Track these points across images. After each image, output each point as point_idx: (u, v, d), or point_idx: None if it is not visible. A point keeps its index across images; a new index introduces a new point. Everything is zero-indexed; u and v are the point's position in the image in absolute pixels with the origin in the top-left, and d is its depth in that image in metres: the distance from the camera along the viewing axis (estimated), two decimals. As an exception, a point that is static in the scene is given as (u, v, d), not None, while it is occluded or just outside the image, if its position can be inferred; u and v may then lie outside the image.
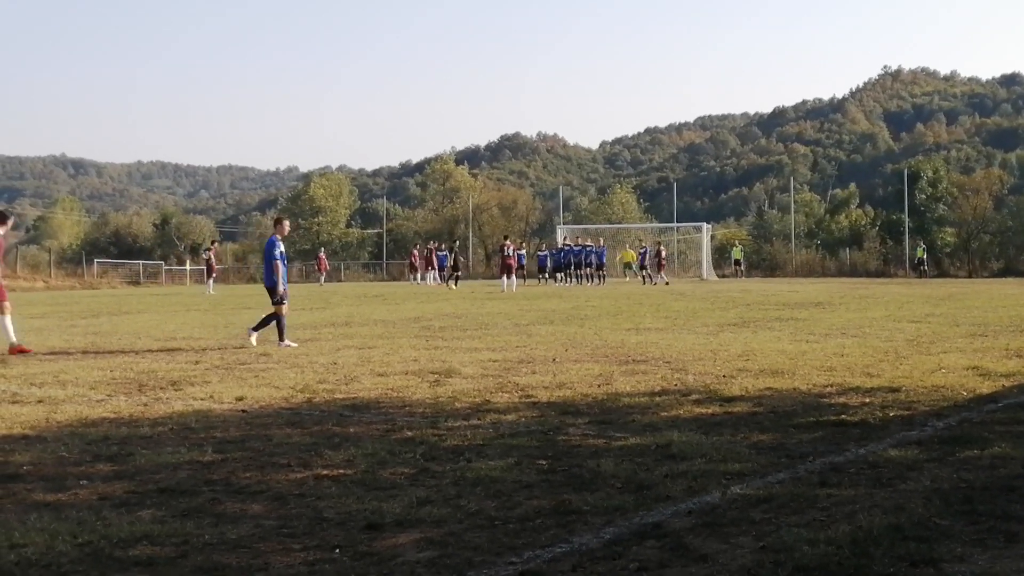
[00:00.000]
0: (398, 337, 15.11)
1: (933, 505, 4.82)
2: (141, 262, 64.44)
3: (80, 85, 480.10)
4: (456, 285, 38.62)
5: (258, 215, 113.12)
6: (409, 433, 6.98)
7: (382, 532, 4.56)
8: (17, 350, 13.10)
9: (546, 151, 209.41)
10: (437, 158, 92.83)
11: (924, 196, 59.91)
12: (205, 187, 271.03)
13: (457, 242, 48.93)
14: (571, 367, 10.77)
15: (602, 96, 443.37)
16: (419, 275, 48.89)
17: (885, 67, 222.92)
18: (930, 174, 61.37)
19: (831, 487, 5.25)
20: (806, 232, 66.34)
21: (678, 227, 63.68)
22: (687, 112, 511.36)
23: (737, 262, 56.30)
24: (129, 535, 4.51)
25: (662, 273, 44.50)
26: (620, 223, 66.24)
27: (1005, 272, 53.28)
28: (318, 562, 4.14)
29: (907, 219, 57.42)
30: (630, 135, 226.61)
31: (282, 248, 14.53)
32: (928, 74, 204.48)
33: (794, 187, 74.36)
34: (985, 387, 8.86)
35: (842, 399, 8.29)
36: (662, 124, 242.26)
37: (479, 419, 7.56)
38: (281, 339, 13.81)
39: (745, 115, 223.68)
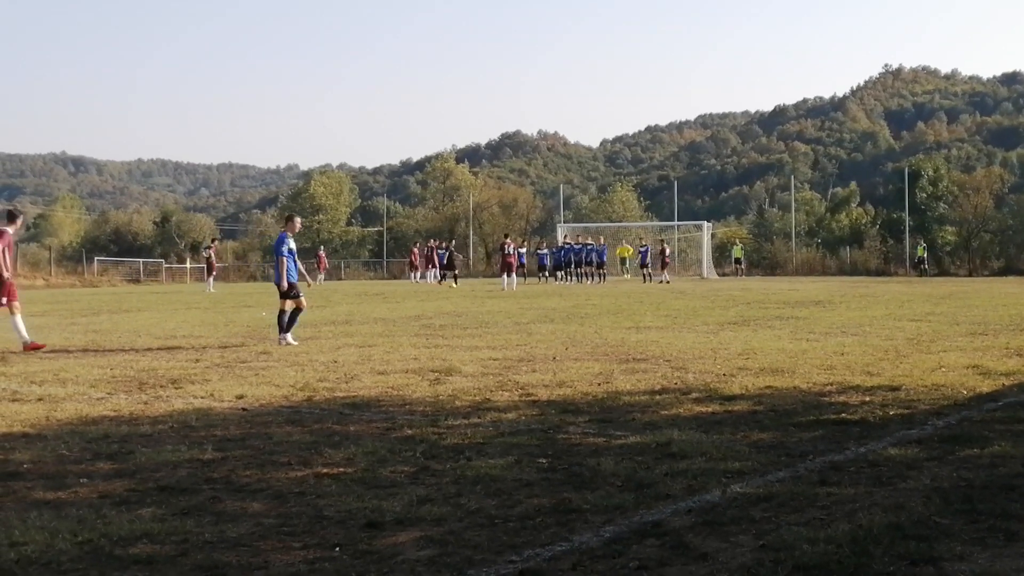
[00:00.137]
0: (398, 335, 15.11)
1: (933, 504, 4.82)
2: (141, 260, 64.47)
3: (80, 83, 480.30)
4: (456, 283, 38.62)
5: (258, 213, 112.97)
6: (409, 431, 6.98)
7: (382, 530, 4.56)
8: (32, 347, 13.14)
9: (547, 149, 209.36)
10: (438, 156, 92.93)
11: (925, 195, 59.93)
12: (205, 185, 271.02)
13: (453, 240, 48.88)
14: (571, 365, 10.77)
15: (603, 94, 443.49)
16: (419, 273, 48.88)
17: (886, 65, 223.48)
18: (931, 173, 61.40)
19: (831, 486, 5.25)
20: (807, 231, 66.39)
21: (679, 225, 63.66)
22: (688, 110, 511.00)
23: (737, 261, 56.31)
24: (129, 533, 4.52)
25: (665, 272, 44.43)
26: (621, 222, 66.24)
27: (1006, 271, 53.31)
28: (318, 560, 4.14)
29: (908, 218, 57.43)
30: (631, 133, 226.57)
31: (292, 245, 14.48)
32: (929, 72, 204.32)
33: (795, 185, 74.38)
34: (985, 386, 8.86)
35: (842, 398, 8.29)
36: (663, 122, 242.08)
37: (479, 417, 7.56)
38: (281, 333, 13.81)
39: (746, 113, 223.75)
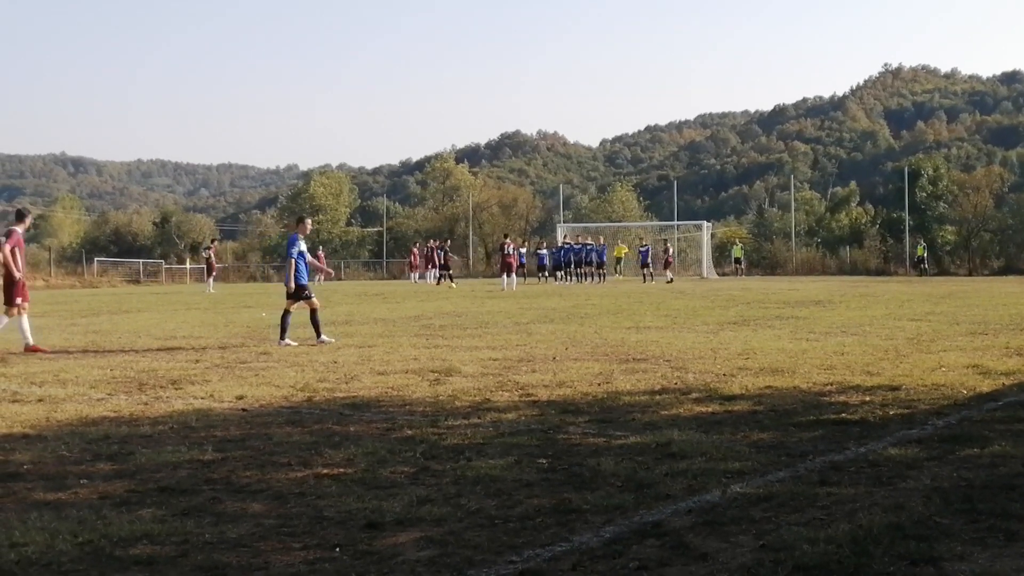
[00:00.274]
0: (398, 336, 15.12)
1: (933, 504, 4.82)
2: (141, 261, 64.44)
3: (80, 84, 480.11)
4: (453, 283, 38.62)
5: (258, 213, 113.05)
6: (409, 432, 6.98)
7: (382, 531, 4.56)
8: (33, 349, 13.15)
9: (546, 149, 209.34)
10: (437, 156, 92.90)
11: (924, 194, 59.91)
12: (205, 185, 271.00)
13: (449, 240, 48.88)
14: (571, 365, 10.77)
15: (602, 94, 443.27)
16: (418, 273, 48.85)
17: (885, 65, 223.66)
18: (930, 172, 61.38)
19: (831, 486, 5.25)
20: (806, 230, 66.37)
21: (678, 225, 63.65)
22: (687, 110, 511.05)
23: (737, 260, 56.30)
24: (129, 534, 4.52)
25: (668, 271, 44.28)
26: (620, 221, 66.23)
27: (1006, 270, 53.32)
28: (318, 561, 4.14)
29: (907, 217, 57.42)
30: (630, 133, 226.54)
31: (303, 246, 14.48)
32: (928, 72, 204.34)
33: (794, 185, 74.36)
34: (985, 385, 8.86)
35: (842, 397, 8.29)
36: (662, 122, 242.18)
37: (479, 418, 7.56)
38: (282, 336, 13.80)
39: (746, 113, 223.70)
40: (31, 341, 13.34)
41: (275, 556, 4.21)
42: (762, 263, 60.66)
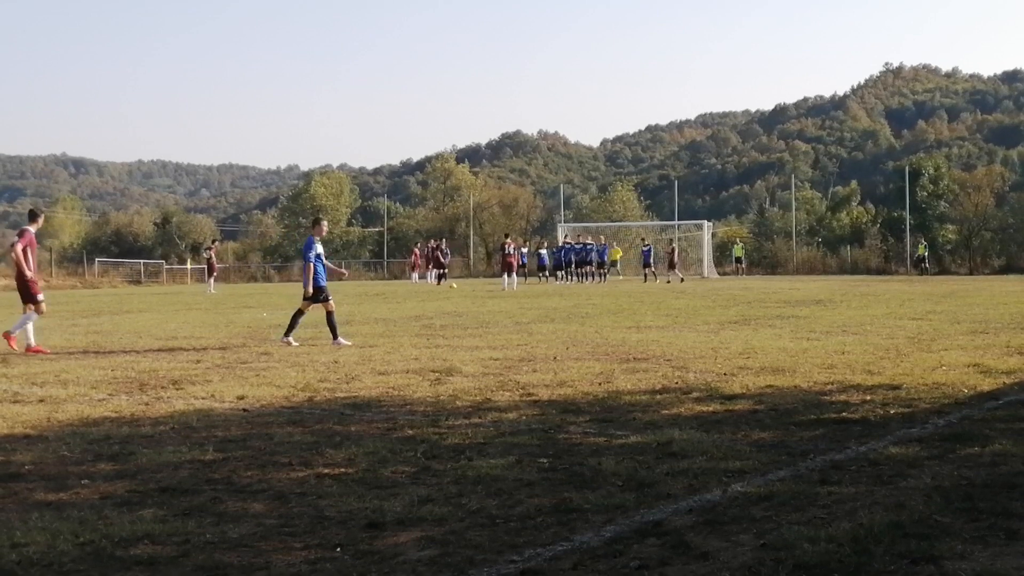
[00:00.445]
0: (399, 336, 15.12)
1: (934, 502, 4.82)
2: (142, 261, 64.48)
3: (81, 84, 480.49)
4: (454, 284, 38.61)
5: (259, 214, 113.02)
6: (410, 431, 6.99)
7: (383, 531, 4.56)
8: (34, 350, 13.17)
9: (547, 149, 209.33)
10: (438, 156, 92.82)
11: (925, 193, 59.89)
12: (206, 186, 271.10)
13: (444, 239, 48.90)
14: (572, 365, 10.77)
15: (603, 94, 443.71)
16: (419, 273, 48.82)
17: (886, 64, 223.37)
18: (931, 171, 61.35)
19: (832, 485, 5.25)
20: (807, 230, 66.33)
21: (679, 225, 63.61)
22: (688, 109, 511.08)
23: (738, 260, 56.28)
24: (131, 534, 4.52)
25: (676, 270, 44.20)
26: (621, 221, 66.22)
27: (1006, 269, 53.27)
28: (319, 561, 4.14)
29: (908, 216, 57.40)
30: (631, 133, 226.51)
31: (319, 249, 14.48)
32: (929, 71, 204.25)
33: (795, 184, 74.29)
34: (986, 384, 8.86)
35: (843, 397, 8.29)
36: (663, 121, 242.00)
37: (480, 417, 7.57)
38: (286, 334, 13.80)
39: (746, 112, 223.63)
40: (32, 342, 13.35)
41: (276, 556, 4.21)
42: (763, 262, 60.64)
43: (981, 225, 58.36)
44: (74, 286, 49.91)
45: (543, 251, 47.82)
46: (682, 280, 41.54)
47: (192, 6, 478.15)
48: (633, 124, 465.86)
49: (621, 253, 51.85)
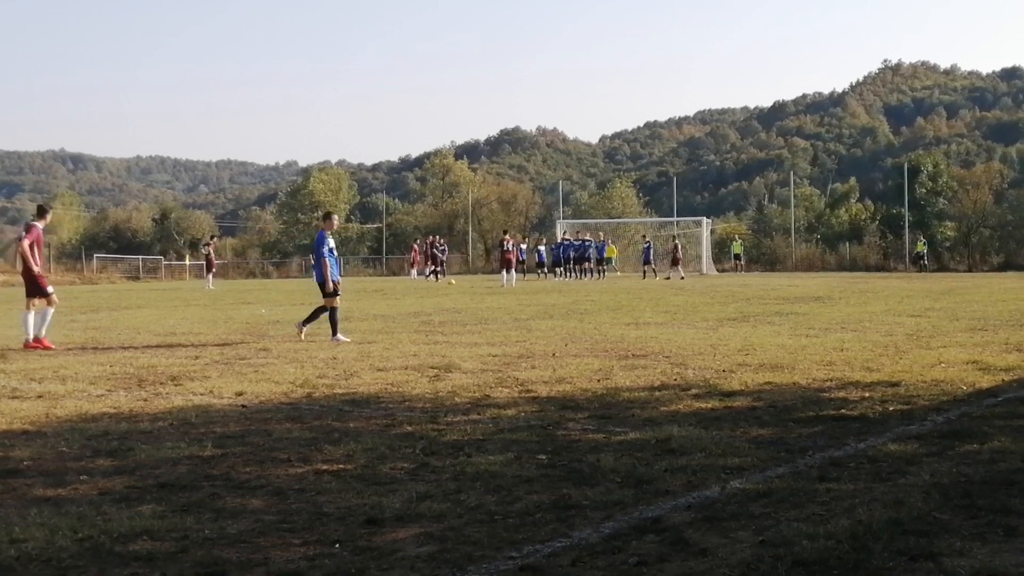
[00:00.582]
0: (398, 332, 15.11)
1: (932, 499, 4.82)
2: (140, 257, 64.47)
3: (79, 80, 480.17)
4: (435, 279, 38.65)
5: (257, 210, 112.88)
6: (409, 428, 6.99)
7: (382, 527, 4.56)
8: (32, 345, 13.17)
9: (546, 145, 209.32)
10: (436, 152, 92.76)
11: (924, 190, 59.90)
12: (204, 182, 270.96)
13: (438, 236, 48.90)
14: (571, 362, 10.77)
15: (601, 90, 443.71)
16: (418, 270, 48.82)
17: (885, 61, 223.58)
18: (930, 168, 61.35)
19: (830, 481, 5.25)
20: (806, 226, 66.32)
21: (678, 221, 63.62)
22: (687, 106, 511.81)
23: (737, 256, 56.27)
24: (129, 530, 4.52)
25: (679, 268, 44.22)
26: (620, 217, 66.22)
27: (1005, 266, 53.29)
28: (318, 557, 4.14)
29: (907, 213, 57.40)
30: (630, 129, 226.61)
31: (332, 243, 14.46)
32: (928, 68, 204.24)
33: (794, 181, 74.35)
34: (985, 381, 8.86)
35: (842, 393, 8.29)
36: (662, 118, 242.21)
37: (479, 414, 7.57)
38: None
39: (745, 109, 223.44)
40: (31, 337, 13.35)
41: (275, 552, 4.21)
42: (762, 259, 60.63)
43: (980, 222, 58.38)
44: (72, 282, 49.83)
45: (542, 247, 47.79)
46: (682, 278, 41.51)
47: (191, 3, 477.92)
48: (632, 120, 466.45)
49: (617, 252, 51.86)
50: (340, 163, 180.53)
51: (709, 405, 7.82)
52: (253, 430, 7.02)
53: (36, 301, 13.66)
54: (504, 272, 35.65)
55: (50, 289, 13.85)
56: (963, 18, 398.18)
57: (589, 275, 43.65)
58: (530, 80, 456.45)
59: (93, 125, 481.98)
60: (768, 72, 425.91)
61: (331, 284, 14.04)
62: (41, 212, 14.66)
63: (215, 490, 5.29)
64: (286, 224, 77.46)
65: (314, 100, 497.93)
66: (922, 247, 54.21)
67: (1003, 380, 8.98)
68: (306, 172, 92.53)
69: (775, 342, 12.53)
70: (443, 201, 76.19)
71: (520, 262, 44.01)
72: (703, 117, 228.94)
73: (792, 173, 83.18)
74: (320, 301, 14.23)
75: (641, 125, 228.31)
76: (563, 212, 71.42)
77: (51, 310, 13.69)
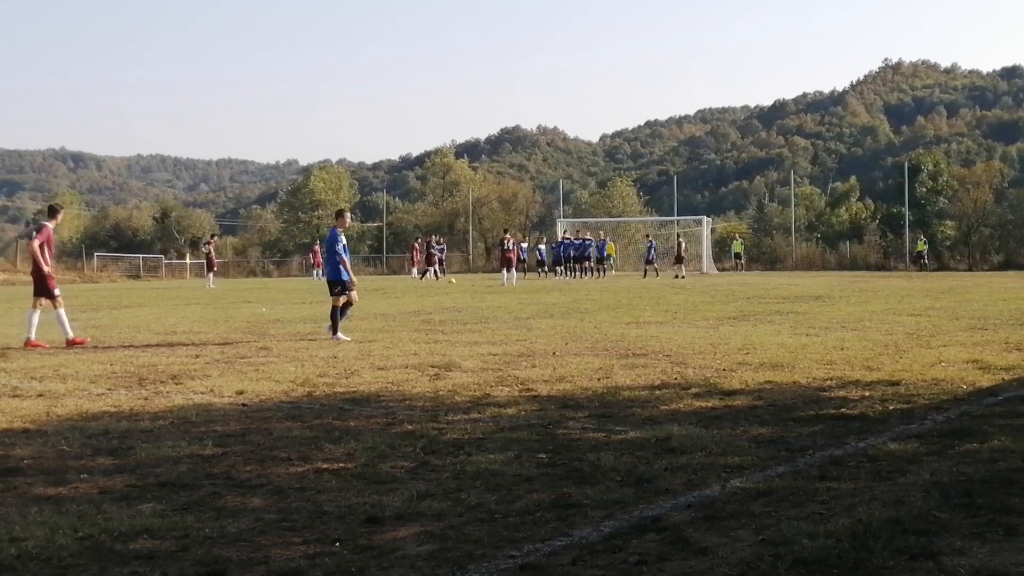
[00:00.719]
0: (398, 331, 15.11)
1: (932, 498, 4.82)
2: (141, 256, 64.47)
3: (79, 79, 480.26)
4: (424, 278, 38.68)
5: (258, 208, 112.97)
6: (409, 427, 6.99)
7: (382, 525, 4.57)
8: (32, 344, 13.20)
9: (546, 144, 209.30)
10: (437, 151, 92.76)
11: (924, 189, 59.87)
12: (205, 180, 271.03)
13: (435, 235, 48.90)
14: (571, 361, 10.77)
15: (602, 89, 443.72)
16: (418, 268, 48.80)
17: (885, 60, 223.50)
18: (930, 167, 61.31)
19: (831, 480, 5.26)
20: (806, 225, 66.33)
21: (678, 220, 63.63)
22: (687, 105, 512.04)
23: (737, 255, 56.27)
24: (130, 529, 4.52)
25: (682, 266, 44.18)
26: (620, 216, 66.21)
27: (1005, 265, 53.26)
28: (318, 555, 4.14)
29: (907, 212, 57.37)
30: (630, 128, 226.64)
31: (344, 240, 14.49)
32: (928, 67, 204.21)
33: (794, 180, 74.36)
34: (985, 380, 8.86)
35: (842, 393, 8.29)
36: (662, 117, 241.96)
37: (479, 413, 7.57)
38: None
39: (745, 108, 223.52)
40: (32, 336, 13.35)
41: (275, 550, 4.21)
42: (762, 258, 60.61)
43: (980, 221, 58.35)
44: (73, 280, 49.82)
45: (542, 246, 47.77)
46: (683, 277, 41.52)
47: (191, 2, 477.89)
48: (632, 119, 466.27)
49: (615, 250, 51.88)
50: (341, 162, 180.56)
51: (709, 404, 7.83)
52: (253, 429, 7.02)
53: (43, 301, 13.67)
54: (504, 271, 35.66)
55: (57, 292, 13.80)
56: (963, 17, 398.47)
57: (589, 274, 43.64)
58: (531, 79, 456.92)
59: (93, 124, 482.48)
60: (768, 71, 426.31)
61: (349, 280, 14.09)
62: (52, 212, 14.64)
63: (215, 489, 5.29)
64: (286, 223, 77.48)
65: (315, 99, 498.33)
66: (922, 246, 54.17)
67: (1003, 379, 8.98)
68: (307, 171, 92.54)
69: (775, 341, 12.53)
70: (443, 200, 76.20)
71: (521, 261, 44.01)
72: (703, 116, 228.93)
73: (792, 172, 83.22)
74: (346, 302, 14.20)
75: (641, 124, 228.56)
76: (563, 211, 71.38)
77: (37, 312, 13.61)
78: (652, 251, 45.47)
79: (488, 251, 67.07)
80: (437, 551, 4.17)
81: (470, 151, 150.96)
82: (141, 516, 4.73)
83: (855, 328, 14.38)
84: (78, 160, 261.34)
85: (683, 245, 45.67)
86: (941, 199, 60.44)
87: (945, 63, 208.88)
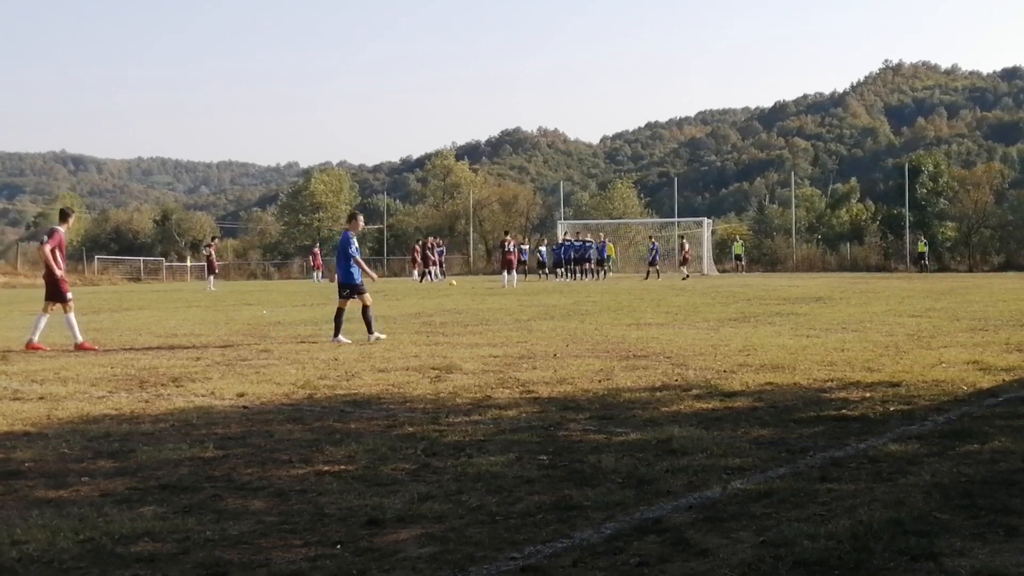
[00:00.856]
0: (399, 333, 15.12)
1: (933, 499, 4.83)
2: (142, 258, 64.45)
3: (80, 81, 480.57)
4: (422, 280, 38.68)
5: (258, 211, 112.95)
6: (410, 429, 6.99)
7: (383, 528, 4.57)
8: (34, 347, 13.22)
9: (547, 146, 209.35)
10: (437, 153, 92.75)
11: (925, 190, 59.86)
12: (205, 183, 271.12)
13: (432, 237, 48.92)
14: (572, 362, 10.77)
15: (602, 91, 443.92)
16: (418, 271, 48.79)
17: (886, 61, 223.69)
18: (931, 168, 61.30)
19: (831, 482, 5.26)
20: (807, 227, 66.30)
21: (679, 222, 63.63)
22: (688, 106, 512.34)
23: (738, 257, 56.27)
24: (131, 531, 4.52)
25: (685, 268, 44.08)
26: (621, 218, 66.21)
27: (1006, 266, 53.27)
28: (319, 558, 4.14)
29: (908, 213, 57.37)
30: (631, 130, 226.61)
31: (356, 244, 14.51)
32: (929, 68, 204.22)
33: (795, 182, 74.33)
34: (985, 381, 8.86)
35: (842, 394, 8.29)
36: (663, 119, 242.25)
37: (480, 415, 7.57)
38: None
39: (746, 109, 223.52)
40: (35, 338, 13.34)
41: (276, 553, 4.22)
42: (763, 260, 60.62)
43: (980, 222, 58.36)
44: (74, 283, 49.60)
45: (542, 248, 47.77)
46: (687, 277, 41.54)
47: (193, 3, 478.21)
48: (633, 121, 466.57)
49: (614, 252, 51.90)
50: (341, 164, 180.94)
51: (710, 406, 7.83)
52: (254, 431, 7.02)
53: (54, 306, 13.66)
54: (505, 273, 35.66)
55: (70, 295, 13.81)
56: (963, 18, 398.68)
57: (590, 276, 43.63)
58: (531, 80, 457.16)
59: (94, 126, 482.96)
60: (768, 72, 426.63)
61: (367, 279, 14.15)
62: (64, 216, 14.63)
63: (217, 491, 5.29)
64: (287, 225, 77.46)
65: (315, 101, 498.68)
66: (923, 247, 54.19)
67: (1004, 380, 8.98)
68: (307, 173, 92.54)
69: (776, 342, 12.53)
70: (444, 202, 76.18)
71: (521, 263, 44.01)
72: (704, 118, 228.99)
73: (793, 173, 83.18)
74: (363, 305, 14.20)
75: (642, 126, 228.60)
76: (564, 213, 71.37)
77: (46, 316, 13.62)
78: (655, 253, 45.47)
79: (489, 253, 67.06)
80: (438, 553, 4.17)
81: (470, 153, 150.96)
82: (142, 519, 4.74)
83: (856, 329, 14.38)
84: (79, 163, 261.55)
85: (687, 247, 45.65)
86: (941, 200, 60.43)
87: (945, 64, 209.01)
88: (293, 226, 75.84)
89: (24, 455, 6.31)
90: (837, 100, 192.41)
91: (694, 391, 8.59)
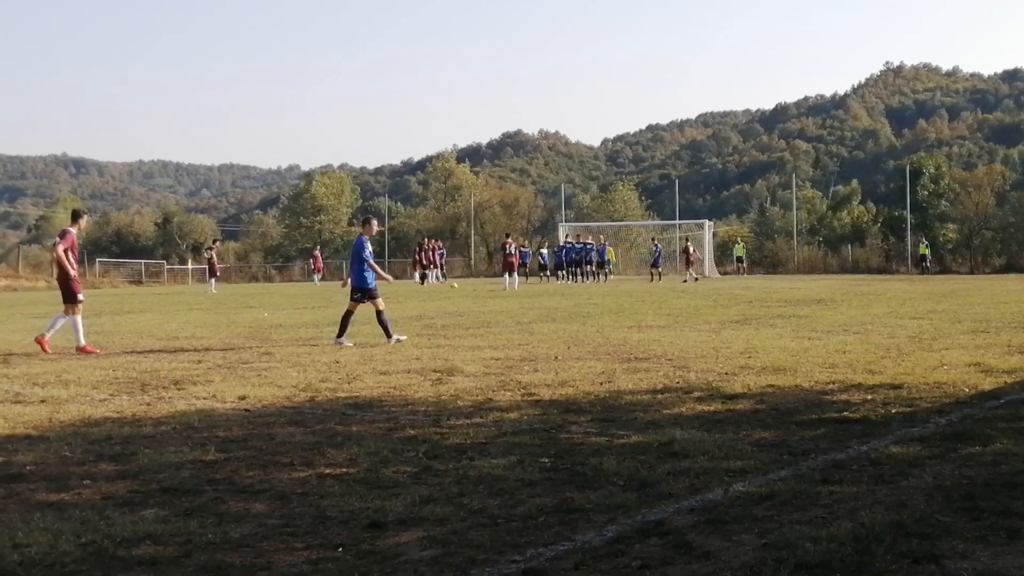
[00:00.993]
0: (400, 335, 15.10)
1: (935, 502, 4.82)
2: (143, 261, 64.45)
3: (81, 84, 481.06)
4: (423, 283, 38.70)
5: (260, 214, 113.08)
6: (412, 431, 6.99)
7: (385, 531, 4.57)
8: (41, 344, 13.20)
9: (548, 148, 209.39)
10: (439, 156, 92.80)
11: (926, 192, 59.87)
12: (207, 186, 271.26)
13: (431, 239, 48.97)
14: (573, 365, 10.77)
15: (604, 93, 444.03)
16: (420, 273, 48.80)
17: (887, 63, 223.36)
18: (932, 170, 61.30)
19: (833, 484, 5.25)
20: (808, 229, 66.27)
21: (680, 224, 63.63)
22: (689, 109, 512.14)
23: (739, 259, 56.27)
24: (132, 534, 4.52)
25: (691, 270, 44.14)
26: (622, 221, 66.21)
27: (1007, 268, 53.24)
28: (321, 561, 4.14)
29: (909, 215, 57.36)
30: (632, 132, 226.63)
31: (370, 248, 14.52)
32: (930, 70, 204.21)
33: (796, 184, 74.28)
34: (987, 383, 8.86)
35: (844, 396, 8.29)
36: (664, 121, 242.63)
37: (481, 417, 7.57)
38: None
39: (747, 111, 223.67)
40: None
41: (278, 556, 4.22)
42: (764, 262, 60.62)
43: (982, 224, 58.35)
44: (75, 286, 49.83)
45: (544, 251, 47.76)
46: (685, 281, 41.54)
47: (193, 5, 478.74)
48: (634, 123, 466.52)
49: (614, 255, 51.93)
50: (342, 167, 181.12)
51: (712, 408, 7.82)
52: (256, 434, 7.02)
53: (77, 307, 13.62)
54: (506, 275, 35.66)
55: (81, 296, 13.78)
56: (964, 20, 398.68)
57: (591, 278, 43.63)
58: (531, 83, 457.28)
59: (95, 129, 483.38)
60: (769, 74, 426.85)
61: (386, 279, 14.19)
62: (75, 217, 14.49)
63: (218, 494, 5.29)
64: (288, 228, 77.50)
65: (316, 104, 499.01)
66: (925, 249, 54.18)
67: (1005, 382, 8.98)
68: (308, 176, 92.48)
69: (777, 345, 12.52)
70: (445, 204, 76.20)
71: (522, 265, 44.02)
72: (705, 120, 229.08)
73: (794, 176, 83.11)
74: (376, 310, 14.24)
75: (643, 128, 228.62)
76: (565, 215, 71.34)
77: (66, 318, 13.58)
78: (658, 255, 45.42)
79: (490, 255, 67.06)
80: (440, 556, 4.17)
81: (472, 155, 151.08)
82: (144, 522, 4.74)
83: (857, 331, 14.38)
84: (80, 166, 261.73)
85: (691, 249, 45.71)
86: (943, 202, 60.44)
87: (946, 66, 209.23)
88: (294, 229, 75.90)
89: (26, 458, 6.31)
90: (838, 102, 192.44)
91: (696, 393, 8.58)
